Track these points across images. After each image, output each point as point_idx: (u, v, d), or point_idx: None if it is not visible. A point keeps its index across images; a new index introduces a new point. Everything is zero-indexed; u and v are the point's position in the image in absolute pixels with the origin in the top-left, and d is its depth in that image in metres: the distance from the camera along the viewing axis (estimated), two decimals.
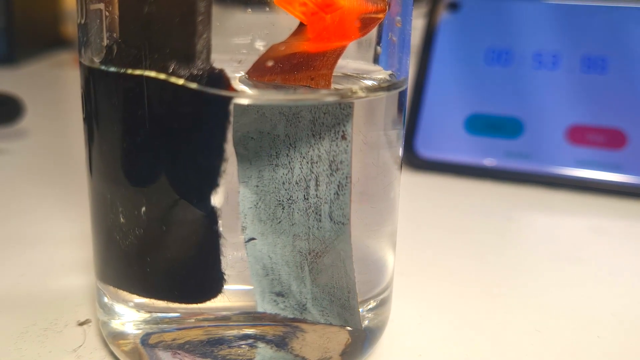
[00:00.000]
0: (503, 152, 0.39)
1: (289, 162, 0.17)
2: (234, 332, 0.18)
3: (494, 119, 0.40)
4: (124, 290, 0.18)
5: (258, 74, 0.17)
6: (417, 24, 0.44)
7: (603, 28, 0.38)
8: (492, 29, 0.40)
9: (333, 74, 0.17)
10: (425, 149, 0.41)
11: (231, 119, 0.16)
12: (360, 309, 0.18)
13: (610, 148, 0.38)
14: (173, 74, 0.15)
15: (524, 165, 0.39)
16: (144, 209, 0.16)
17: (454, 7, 0.41)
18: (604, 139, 0.38)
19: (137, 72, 0.15)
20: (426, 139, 0.41)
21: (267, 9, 0.16)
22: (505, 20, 0.40)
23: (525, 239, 0.31)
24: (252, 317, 0.18)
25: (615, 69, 0.38)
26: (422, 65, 0.42)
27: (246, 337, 0.18)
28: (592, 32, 0.38)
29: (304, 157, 0.17)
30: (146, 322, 0.18)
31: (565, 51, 0.39)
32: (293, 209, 0.17)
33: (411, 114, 0.41)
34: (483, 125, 0.40)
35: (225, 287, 0.17)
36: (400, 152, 0.20)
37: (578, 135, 0.38)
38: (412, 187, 0.38)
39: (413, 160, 0.41)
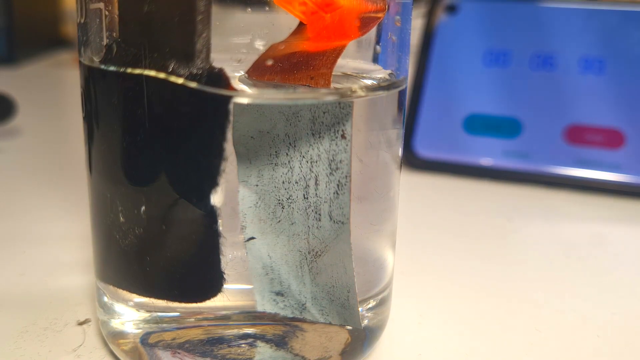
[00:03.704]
0: (501, 151, 0.39)
1: (289, 162, 0.17)
2: (234, 331, 0.18)
3: (492, 119, 0.40)
4: (123, 289, 0.18)
5: (258, 73, 0.17)
6: (416, 24, 0.44)
7: (599, 30, 0.38)
8: (489, 31, 0.40)
9: (333, 73, 0.17)
10: (424, 149, 0.41)
11: (231, 118, 0.16)
12: (360, 308, 0.18)
13: (608, 148, 0.38)
14: (173, 73, 0.15)
15: (522, 165, 0.39)
16: (143, 208, 0.16)
17: (452, 9, 0.41)
18: (602, 139, 0.38)
19: (137, 71, 0.15)
20: (425, 138, 0.41)
21: (267, 8, 0.16)
22: (503, 22, 0.40)
23: (524, 239, 0.31)
24: (251, 316, 0.18)
25: (612, 70, 0.38)
26: (420, 66, 0.42)
27: (246, 336, 0.18)
28: (588, 34, 0.38)
29: (303, 157, 0.17)
30: (146, 321, 0.18)
31: (562, 53, 0.39)
32: (293, 208, 0.17)
33: (410, 114, 0.42)
34: (481, 125, 0.40)
35: (225, 286, 0.17)
36: (400, 151, 0.20)
37: (576, 135, 0.38)
38: (411, 186, 0.38)
39: (412, 160, 0.41)
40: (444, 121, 0.41)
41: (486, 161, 0.40)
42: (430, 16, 0.42)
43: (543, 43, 0.39)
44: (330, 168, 0.17)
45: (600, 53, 0.38)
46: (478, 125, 0.40)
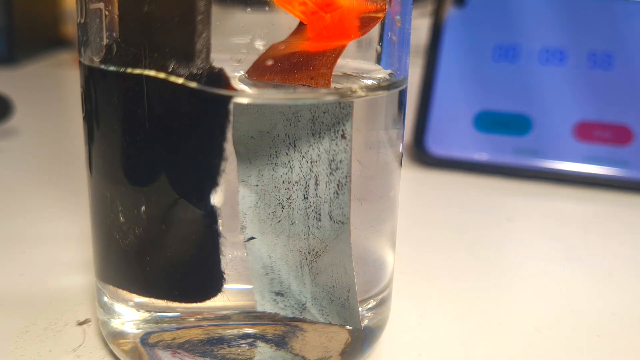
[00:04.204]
0: (512, 148, 0.40)
1: (289, 161, 0.17)
2: (234, 331, 0.18)
3: (502, 116, 0.40)
4: (123, 289, 0.18)
5: (258, 73, 0.17)
6: (423, 24, 0.44)
7: (609, 23, 0.38)
8: (498, 24, 0.40)
9: (333, 73, 0.17)
10: (436, 146, 0.41)
11: (231, 118, 0.16)
12: (360, 308, 0.18)
13: (616, 144, 0.38)
14: (173, 73, 0.15)
15: (532, 162, 0.39)
16: (143, 208, 0.16)
17: (460, 2, 0.41)
18: (610, 135, 0.38)
19: (137, 71, 0.15)
20: (436, 136, 0.41)
21: (267, 8, 0.16)
22: (512, 15, 0.40)
23: (530, 237, 0.31)
24: (251, 316, 0.18)
25: (621, 65, 0.38)
26: (430, 62, 0.42)
27: (246, 336, 0.18)
28: (598, 27, 0.38)
29: (303, 156, 0.17)
30: (146, 321, 0.18)
31: (572, 47, 0.39)
32: (293, 208, 0.17)
33: (421, 111, 0.42)
34: (492, 122, 0.40)
35: (225, 286, 0.17)
36: (401, 151, 0.20)
37: (585, 131, 0.38)
38: (421, 184, 0.38)
39: (423, 158, 0.41)
40: (455, 118, 0.41)
41: (497, 158, 0.40)
42: (438, 10, 0.42)
43: (552, 37, 0.39)
44: (330, 168, 0.17)
45: (608, 47, 0.38)
46: (489, 122, 0.40)
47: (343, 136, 0.16)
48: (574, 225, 0.33)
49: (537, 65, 0.39)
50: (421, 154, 0.41)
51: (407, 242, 0.27)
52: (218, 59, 0.15)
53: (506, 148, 0.40)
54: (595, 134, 0.38)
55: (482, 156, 0.40)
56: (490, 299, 0.25)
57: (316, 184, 0.17)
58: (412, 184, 0.38)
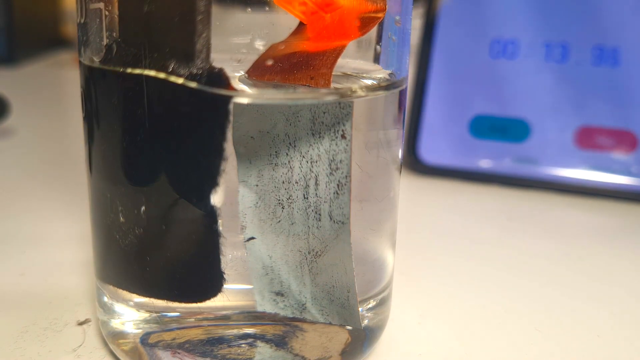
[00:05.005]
0: (510, 156, 0.38)
1: (289, 162, 0.17)
2: (234, 331, 0.18)
3: (499, 121, 0.38)
4: (123, 289, 0.18)
5: (258, 73, 0.17)
6: (417, 24, 0.43)
7: (615, 16, 0.36)
8: (497, 16, 0.37)
9: (333, 73, 0.17)
10: (429, 154, 0.39)
11: (231, 118, 0.16)
12: (360, 308, 0.18)
13: (620, 151, 0.36)
14: (173, 73, 0.15)
15: (531, 170, 0.37)
16: (143, 208, 0.16)
17: None
18: (613, 142, 0.36)
19: (137, 71, 0.15)
20: (429, 143, 0.39)
21: (267, 8, 0.16)
22: (511, 7, 0.37)
23: (529, 242, 0.31)
24: (251, 316, 0.18)
25: (628, 61, 0.35)
26: (422, 60, 0.39)
27: (246, 336, 0.18)
28: (603, 20, 0.36)
29: (303, 157, 0.17)
30: (146, 321, 0.18)
31: (575, 41, 0.36)
32: (293, 208, 0.17)
33: (413, 117, 0.39)
34: (488, 128, 0.38)
35: (225, 286, 0.17)
36: (400, 151, 0.20)
37: (587, 138, 0.36)
38: (415, 193, 0.37)
39: (416, 166, 0.39)
40: (449, 124, 0.39)
41: (493, 166, 0.38)
42: (431, 2, 0.39)
43: (554, 31, 0.36)
44: (330, 168, 0.17)
45: (615, 42, 0.36)
46: (485, 128, 0.38)
47: (343, 136, 0.16)
48: (574, 232, 0.33)
49: (537, 62, 0.37)
50: (414, 162, 0.39)
51: (405, 246, 0.27)
52: (218, 59, 0.15)
53: (504, 155, 0.38)
54: (598, 140, 0.36)
55: (478, 164, 0.38)
56: (490, 299, 0.25)
57: (316, 184, 0.17)
58: (405, 194, 0.38)
